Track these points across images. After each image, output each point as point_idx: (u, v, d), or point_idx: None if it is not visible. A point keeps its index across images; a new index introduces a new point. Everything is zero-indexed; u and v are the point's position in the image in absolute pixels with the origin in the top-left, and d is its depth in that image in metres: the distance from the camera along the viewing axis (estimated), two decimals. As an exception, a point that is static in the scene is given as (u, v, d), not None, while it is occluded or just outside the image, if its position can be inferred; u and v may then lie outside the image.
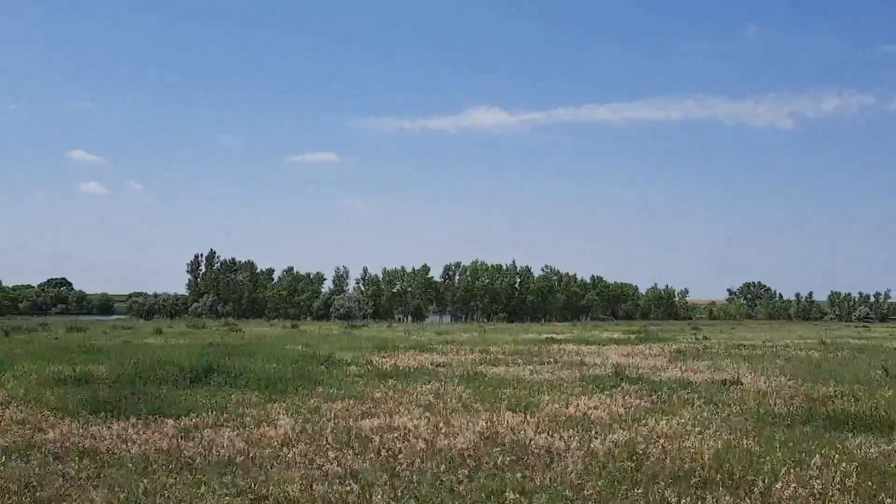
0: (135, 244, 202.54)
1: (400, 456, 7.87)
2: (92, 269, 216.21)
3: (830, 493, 6.47)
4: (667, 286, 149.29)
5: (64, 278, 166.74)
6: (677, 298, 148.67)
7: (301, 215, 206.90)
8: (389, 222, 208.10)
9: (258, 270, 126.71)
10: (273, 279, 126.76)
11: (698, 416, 10.52)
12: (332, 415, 10.67)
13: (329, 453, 8.04)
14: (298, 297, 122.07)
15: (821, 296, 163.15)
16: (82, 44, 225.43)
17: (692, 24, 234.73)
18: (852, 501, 6.37)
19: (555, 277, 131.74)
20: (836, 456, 7.60)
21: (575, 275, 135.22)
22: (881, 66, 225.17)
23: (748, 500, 6.43)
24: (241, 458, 7.90)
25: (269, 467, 7.54)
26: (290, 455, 8.00)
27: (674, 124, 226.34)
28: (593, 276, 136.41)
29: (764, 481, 6.78)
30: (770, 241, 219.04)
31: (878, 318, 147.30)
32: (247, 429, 9.49)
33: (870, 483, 6.78)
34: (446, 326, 67.01)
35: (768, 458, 7.71)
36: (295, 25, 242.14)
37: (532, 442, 8.56)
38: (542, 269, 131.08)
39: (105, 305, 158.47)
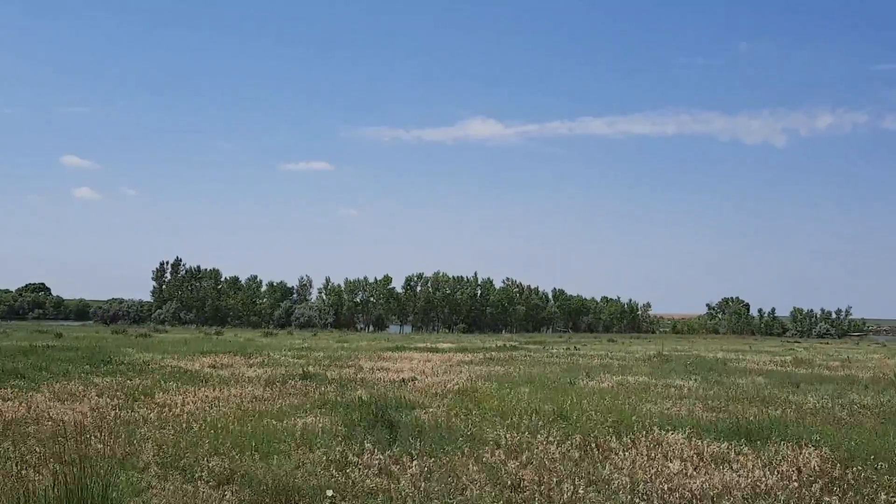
0: (119, 250, 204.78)
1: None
2: (73, 275, 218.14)
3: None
4: (630, 300, 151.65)
5: (42, 283, 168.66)
6: (640, 312, 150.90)
7: (292, 223, 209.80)
8: (382, 231, 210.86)
9: (223, 278, 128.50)
10: (238, 287, 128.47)
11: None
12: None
13: None
14: (260, 306, 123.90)
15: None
16: (77, 49, 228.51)
17: (686, 39, 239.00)
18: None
19: (516, 290, 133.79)
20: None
21: (537, 287, 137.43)
22: (874, 85, 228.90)
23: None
24: None
25: None
26: None
27: (668, 138, 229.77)
28: (554, 288, 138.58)
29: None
30: (756, 256, 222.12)
31: (837, 334, 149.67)
32: None
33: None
34: (375, 335, 68.80)
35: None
36: (293, 35, 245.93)
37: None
38: (504, 282, 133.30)
39: (82, 311, 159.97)
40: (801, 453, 8.67)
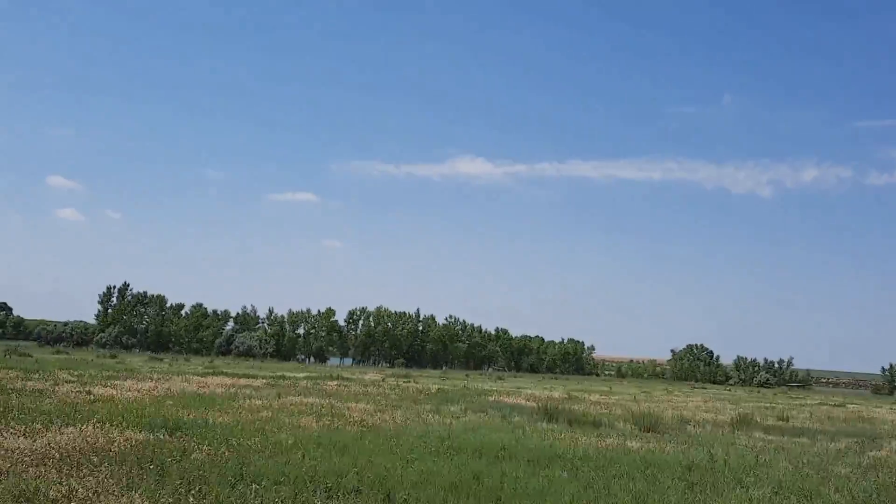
0: (95, 273, 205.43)
1: None
2: (43, 296, 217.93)
3: None
4: (574, 341, 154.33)
5: (4, 303, 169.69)
6: (585, 354, 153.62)
7: (276, 254, 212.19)
8: (363, 264, 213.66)
9: (168, 305, 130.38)
10: (182, 314, 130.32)
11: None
12: None
13: None
14: (203, 333, 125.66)
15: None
16: (67, 71, 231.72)
17: (674, 88, 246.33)
18: None
19: (458, 327, 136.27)
20: None
21: (480, 326, 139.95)
22: (857, 141, 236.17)
23: None
24: None
25: None
26: None
27: (654, 184, 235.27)
28: (497, 328, 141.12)
29: None
30: (730, 305, 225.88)
31: (778, 383, 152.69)
32: None
33: None
34: (275, 365, 70.66)
35: None
36: (288, 67, 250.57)
37: None
38: (446, 319, 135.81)
39: (44, 332, 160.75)
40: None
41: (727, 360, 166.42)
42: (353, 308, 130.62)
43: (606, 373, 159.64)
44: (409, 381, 40.19)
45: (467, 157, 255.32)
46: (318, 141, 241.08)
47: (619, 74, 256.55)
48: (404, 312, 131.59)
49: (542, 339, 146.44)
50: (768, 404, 41.41)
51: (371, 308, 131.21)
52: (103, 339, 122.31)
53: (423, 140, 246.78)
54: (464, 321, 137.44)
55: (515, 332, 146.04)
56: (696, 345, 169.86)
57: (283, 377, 37.11)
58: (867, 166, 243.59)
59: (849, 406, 44.76)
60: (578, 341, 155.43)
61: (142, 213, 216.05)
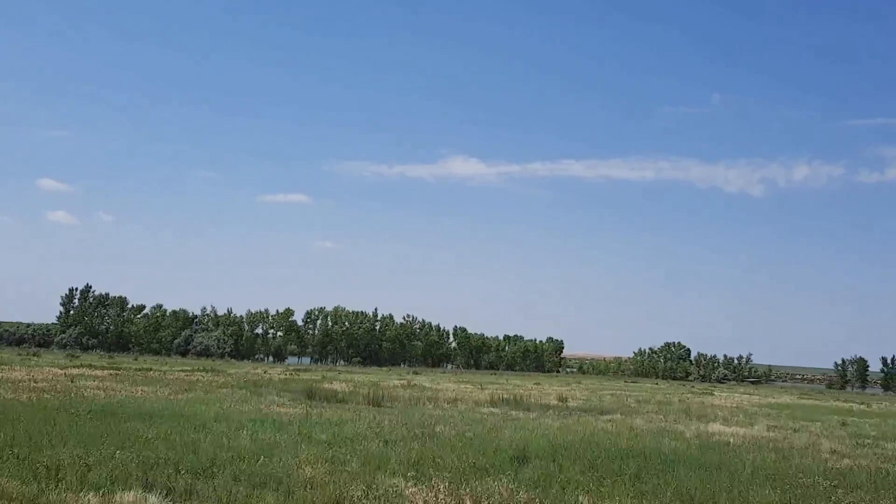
0: (81, 274, 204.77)
1: None
2: (22, 298, 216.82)
3: None
4: (535, 340, 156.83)
5: None
6: (546, 353, 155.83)
7: (267, 255, 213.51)
8: (354, 265, 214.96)
9: (129, 306, 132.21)
10: (143, 315, 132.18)
11: None
12: None
13: None
14: (161, 334, 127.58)
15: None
16: (58, 73, 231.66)
17: (664, 88, 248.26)
18: None
19: (416, 326, 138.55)
20: None
21: (438, 325, 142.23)
22: (848, 140, 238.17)
23: None
24: None
25: None
26: None
27: (647, 183, 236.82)
28: (455, 326, 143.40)
29: None
30: (711, 304, 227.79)
31: (737, 379, 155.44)
32: None
33: None
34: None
35: None
36: (279, 69, 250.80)
37: None
38: (404, 318, 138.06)
39: (5, 333, 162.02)
40: None
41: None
42: (311, 308, 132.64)
43: (568, 370, 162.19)
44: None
45: (460, 158, 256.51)
46: (309, 141, 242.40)
47: (610, 73, 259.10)
48: (362, 312, 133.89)
49: (499, 338, 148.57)
50: (628, 393, 43.99)
51: (329, 308, 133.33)
52: (63, 340, 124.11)
53: (415, 140, 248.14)
54: (422, 320, 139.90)
55: (494, 332, 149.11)
56: (674, 342, 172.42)
57: (150, 369, 39.49)
58: (858, 165, 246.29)
59: (709, 394, 47.57)
60: (555, 340, 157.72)
61: (134, 215, 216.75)
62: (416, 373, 66.13)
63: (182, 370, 40.13)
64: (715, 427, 21.25)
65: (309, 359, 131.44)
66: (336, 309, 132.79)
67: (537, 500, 9.46)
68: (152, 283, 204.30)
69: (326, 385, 30.98)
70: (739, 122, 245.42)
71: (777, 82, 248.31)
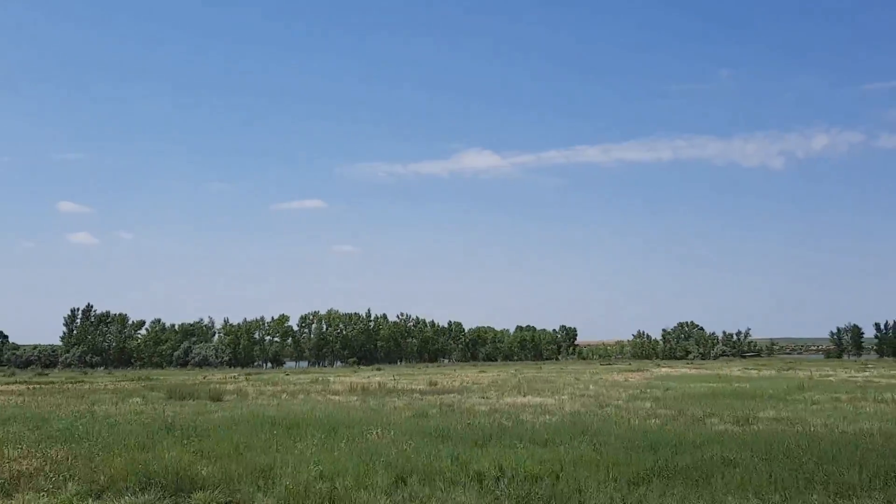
0: (110, 295, 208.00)
1: None
2: (38, 321, 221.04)
3: None
4: (533, 329, 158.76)
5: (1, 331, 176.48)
6: (544, 342, 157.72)
7: (285, 263, 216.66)
8: (372, 267, 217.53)
9: (129, 322, 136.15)
10: (143, 331, 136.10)
11: None
12: None
13: None
14: (161, 347, 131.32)
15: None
16: (72, 97, 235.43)
17: (671, 66, 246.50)
18: None
19: (410, 323, 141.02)
20: None
21: (433, 321, 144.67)
22: (865, 104, 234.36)
23: None
24: None
25: None
26: None
27: (664, 164, 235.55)
28: (450, 321, 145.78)
29: None
30: (724, 280, 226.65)
31: (736, 355, 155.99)
32: None
33: None
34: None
35: None
36: (287, 74, 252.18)
37: None
38: (398, 316, 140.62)
39: (13, 356, 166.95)
40: None
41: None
42: (306, 313, 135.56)
43: (570, 357, 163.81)
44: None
45: (474, 151, 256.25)
46: (321, 146, 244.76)
47: (614, 55, 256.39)
48: (356, 314, 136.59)
49: (495, 329, 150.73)
50: (535, 375, 45.91)
51: (323, 312, 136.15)
52: (68, 360, 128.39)
53: (428, 136, 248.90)
54: (416, 317, 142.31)
55: (508, 325, 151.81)
56: (688, 322, 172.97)
57: (80, 381, 42.13)
58: (878, 129, 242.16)
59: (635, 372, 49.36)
60: (568, 328, 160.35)
61: (152, 232, 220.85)
62: (378, 369, 68.44)
63: (120, 381, 42.77)
64: (521, 400, 23.28)
65: (306, 362, 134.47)
66: (329, 312, 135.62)
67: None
68: (174, 297, 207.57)
69: (230, 387, 33.29)
70: (750, 95, 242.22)
71: (783, 52, 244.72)
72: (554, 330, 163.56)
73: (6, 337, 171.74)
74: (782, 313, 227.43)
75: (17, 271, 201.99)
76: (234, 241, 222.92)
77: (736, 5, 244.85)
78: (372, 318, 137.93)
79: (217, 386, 31.83)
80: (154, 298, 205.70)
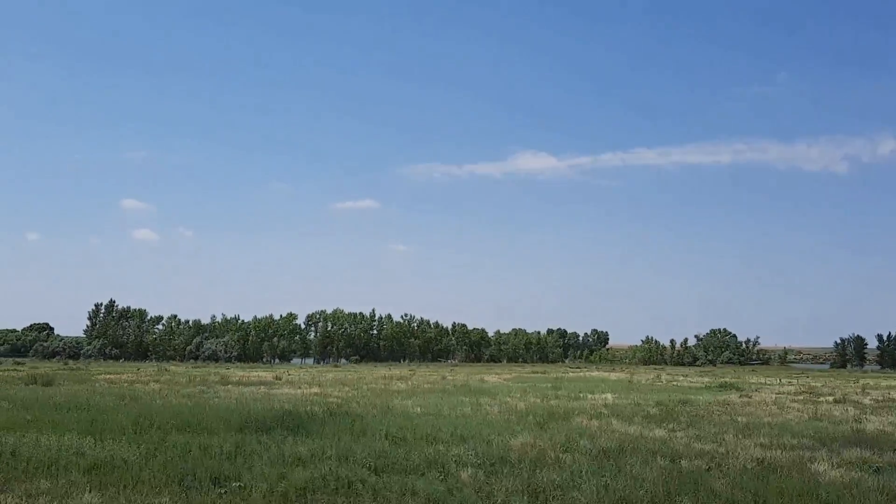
0: (168, 291, 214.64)
1: None
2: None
3: None
4: (538, 332, 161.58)
5: (46, 323, 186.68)
6: (547, 343, 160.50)
7: (342, 260, 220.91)
8: (428, 268, 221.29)
9: (147, 317, 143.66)
10: (161, 325, 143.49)
11: None
12: None
13: None
14: (176, 341, 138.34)
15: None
16: (138, 95, 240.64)
17: (723, 71, 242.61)
18: None
19: (414, 323, 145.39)
20: None
21: (437, 322, 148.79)
22: None
23: None
24: None
25: None
26: None
27: (722, 167, 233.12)
28: (454, 322, 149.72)
29: None
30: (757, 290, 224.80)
31: (741, 361, 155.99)
32: None
33: None
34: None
35: None
36: (341, 76, 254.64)
37: None
38: (402, 317, 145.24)
39: (41, 347, 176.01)
40: None
41: (769, 343, 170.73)
42: (312, 311, 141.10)
43: (577, 360, 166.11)
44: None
45: (530, 153, 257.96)
46: (378, 147, 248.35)
47: (672, 56, 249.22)
48: (360, 313, 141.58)
49: (501, 332, 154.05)
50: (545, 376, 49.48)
51: (329, 311, 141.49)
52: (89, 352, 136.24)
53: (484, 138, 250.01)
54: (420, 318, 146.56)
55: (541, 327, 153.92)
56: (720, 329, 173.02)
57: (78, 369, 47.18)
58: None
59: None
60: (600, 331, 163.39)
61: (211, 230, 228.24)
62: (355, 364, 72.74)
63: (105, 373, 47.87)
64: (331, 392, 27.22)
65: (312, 359, 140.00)
66: (335, 311, 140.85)
67: None
68: (231, 293, 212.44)
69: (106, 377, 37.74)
70: (812, 99, 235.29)
71: (848, 54, 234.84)
72: (543, 333, 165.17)
73: (52, 329, 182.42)
74: (819, 322, 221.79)
75: (83, 271, 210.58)
76: (293, 240, 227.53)
77: (796, 8, 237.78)
78: (375, 317, 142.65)
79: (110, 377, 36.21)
80: (207, 296, 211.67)
